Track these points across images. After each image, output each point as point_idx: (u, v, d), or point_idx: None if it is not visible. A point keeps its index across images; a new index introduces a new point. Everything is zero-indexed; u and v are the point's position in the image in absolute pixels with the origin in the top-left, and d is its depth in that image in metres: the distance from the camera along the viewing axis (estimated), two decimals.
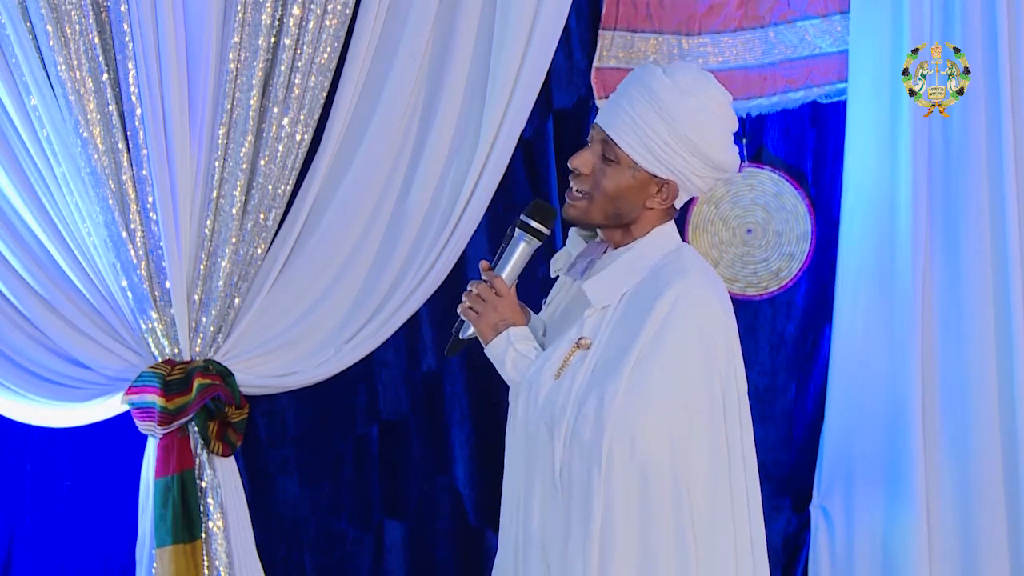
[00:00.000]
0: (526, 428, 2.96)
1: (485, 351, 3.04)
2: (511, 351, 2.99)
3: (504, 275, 3.04)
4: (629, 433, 2.84)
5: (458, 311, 3.05)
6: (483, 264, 3.05)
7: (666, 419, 2.85)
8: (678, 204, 3.02)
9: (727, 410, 2.93)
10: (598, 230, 3.06)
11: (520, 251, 3.03)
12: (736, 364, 2.97)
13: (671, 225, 3.03)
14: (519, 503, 3.00)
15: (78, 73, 3.95)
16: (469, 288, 3.06)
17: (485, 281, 3.03)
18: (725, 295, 2.99)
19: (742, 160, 4.53)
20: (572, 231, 3.12)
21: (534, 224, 3.02)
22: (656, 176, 2.97)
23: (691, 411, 2.87)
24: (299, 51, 4.09)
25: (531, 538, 2.97)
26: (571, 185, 3.01)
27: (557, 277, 3.21)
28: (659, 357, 2.86)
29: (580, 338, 2.94)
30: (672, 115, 2.93)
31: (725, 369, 2.93)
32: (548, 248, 3.20)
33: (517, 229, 3.04)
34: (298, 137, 4.12)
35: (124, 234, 3.99)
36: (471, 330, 3.05)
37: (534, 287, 4.28)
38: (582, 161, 3.00)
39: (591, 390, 2.87)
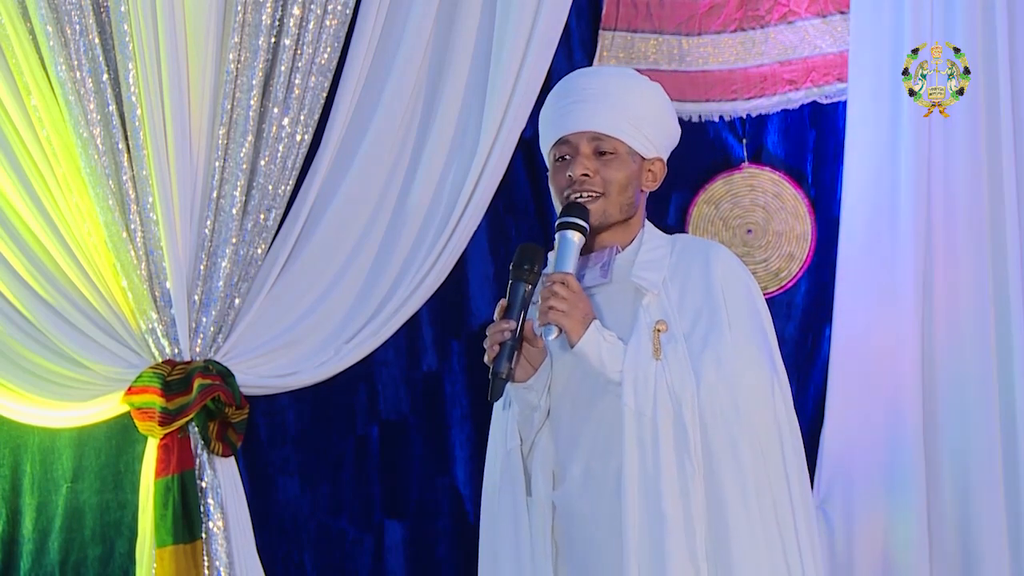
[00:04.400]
0: (639, 414, 2.91)
1: (575, 349, 2.94)
2: (603, 342, 2.95)
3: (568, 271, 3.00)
4: (751, 388, 2.94)
5: (542, 321, 2.93)
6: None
7: (766, 368, 2.98)
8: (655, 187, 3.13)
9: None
10: (596, 238, 3.06)
11: (574, 247, 3.00)
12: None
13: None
14: (644, 491, 2.90)
15: (78, 73, 3.95)
16: (545, 294, 2.95)
17: (553, 282, 2.95)
18: None
19: (742, 160, 4.54)
20: (551, 254, 3.06)
21: (575, 220, 3.01)
22: (645, 158, 3.07)
23: (773, 358, 3.02)
24: (299, 51, 4.09)
25: (666, 522, 2.87)
26: (578, 192, 3.02)
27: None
28: (741, 312, 2.99)
29: (656, 322, 2.96)
30: (634, 95, 3.05)
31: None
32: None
33: (562, 230, 3.00)
34: (298, 137, 4.12)
35: (124, 234, 3.99)
36: (554, 334, 2.94)
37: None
38: (582, 167, 3.02)
39: (702, 358, 2.93)
